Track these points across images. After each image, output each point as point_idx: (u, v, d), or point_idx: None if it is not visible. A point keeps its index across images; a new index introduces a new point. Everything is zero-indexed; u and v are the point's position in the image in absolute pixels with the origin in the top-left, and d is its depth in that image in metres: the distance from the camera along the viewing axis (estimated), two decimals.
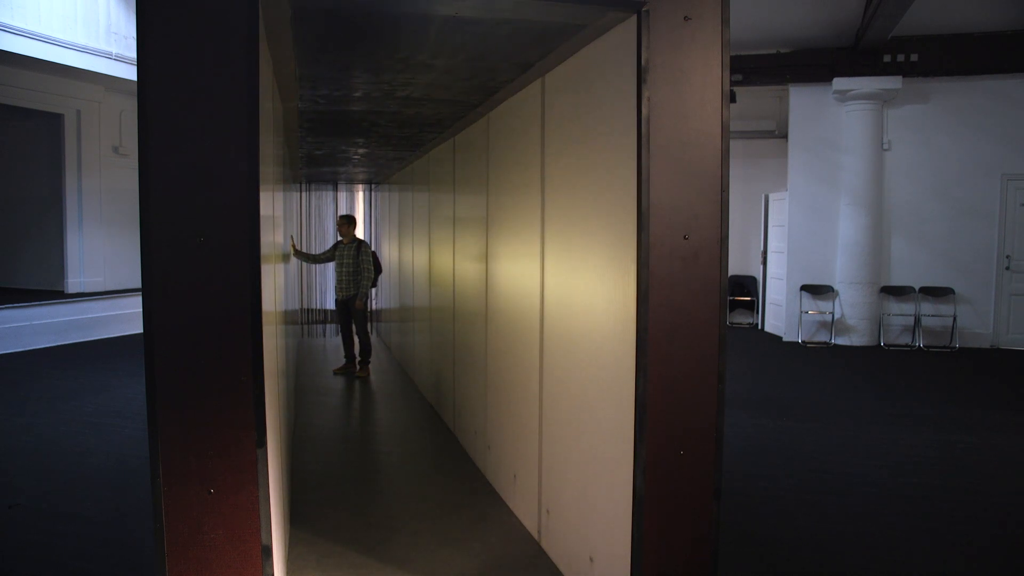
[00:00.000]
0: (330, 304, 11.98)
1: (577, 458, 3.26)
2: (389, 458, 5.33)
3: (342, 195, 12.22)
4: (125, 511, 4.24)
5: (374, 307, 11.75)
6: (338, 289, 8.22)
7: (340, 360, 8.92)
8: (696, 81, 2.61)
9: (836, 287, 10.63)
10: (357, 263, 8.03)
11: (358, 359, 8.40)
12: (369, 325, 8.69)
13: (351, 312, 8.14)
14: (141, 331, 2.18)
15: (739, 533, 3.95)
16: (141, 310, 2.17)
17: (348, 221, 8.27)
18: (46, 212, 11.47)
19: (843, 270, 10.55)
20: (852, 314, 10.50)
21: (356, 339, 8.35)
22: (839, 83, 10.29)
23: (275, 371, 3.17)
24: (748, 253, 12.66)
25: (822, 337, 10.70)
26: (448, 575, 3.45)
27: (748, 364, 9.16)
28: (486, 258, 4.83)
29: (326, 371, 8.71)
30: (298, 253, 8.27)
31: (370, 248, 8.23)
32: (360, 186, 12.16)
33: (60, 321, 10.43)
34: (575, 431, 3.28)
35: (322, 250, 10.28)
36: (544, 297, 3.71)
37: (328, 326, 12.07)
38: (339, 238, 8.27)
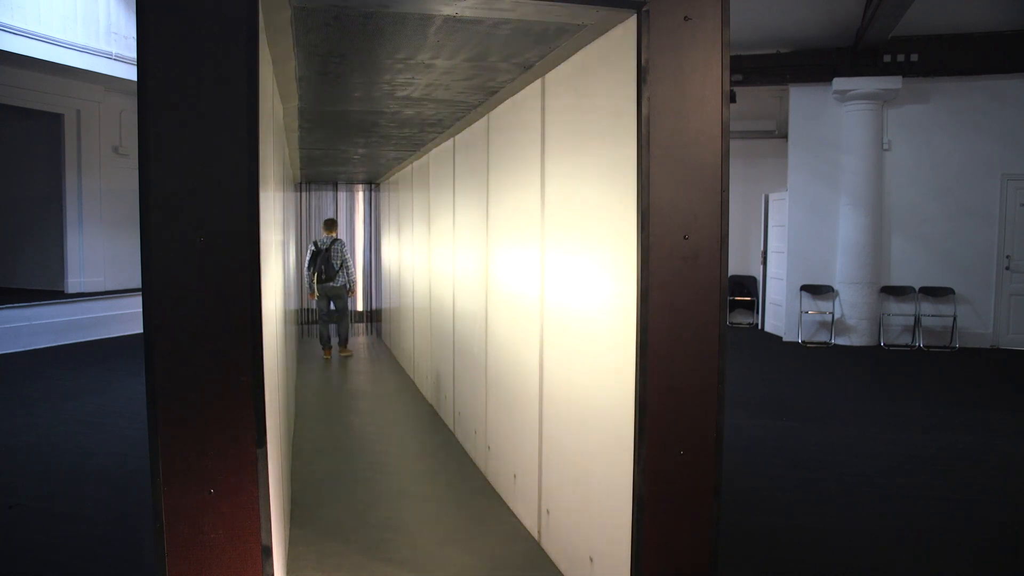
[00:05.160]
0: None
1: (577, 458, 3.26)
2: (389, 458, 5.33)
3: (342, 195, 12.22)
4: (125, 511, 4.24)
5: (374, 306, 11.88)
6: None
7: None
8: (696, 81, 2.61)
9: (836, 287, 10.63)
10: None
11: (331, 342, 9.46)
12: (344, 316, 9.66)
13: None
14: (141, 331, 2.18)
15: (739, 533, 3.95)
16: (141, 310, 2.17)
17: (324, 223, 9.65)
18: (46, 212, 11.47)
19: (843, 270, 10.55)
20: (852, 314, 10.50)
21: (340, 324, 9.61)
22: (839, 83, 10.29)
23: (275, 371, 3.17)
24: (748, 253, 12.66)
25: (822, 337, 10.69)
26: (448, 575, 3.45)
27: (748, 364, 9.16)
28: (486, 258, 4.83)
29: (327, 371, 8.72)
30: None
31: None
32: (360, 186, 12.16)
33: (60, 321, 10.44)
34: (575, 431, 3.28)
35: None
36: (544, 297, 3.71)
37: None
38: None
